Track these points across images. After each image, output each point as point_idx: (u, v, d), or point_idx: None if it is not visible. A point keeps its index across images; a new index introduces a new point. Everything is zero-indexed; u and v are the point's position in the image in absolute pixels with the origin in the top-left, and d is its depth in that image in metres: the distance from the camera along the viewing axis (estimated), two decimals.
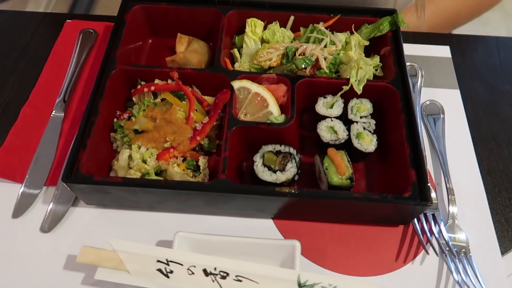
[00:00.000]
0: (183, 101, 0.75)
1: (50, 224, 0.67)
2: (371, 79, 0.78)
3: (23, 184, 0.70)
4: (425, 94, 0.86)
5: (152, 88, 0.74)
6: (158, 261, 0.58)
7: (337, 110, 0.75)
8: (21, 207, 0.68)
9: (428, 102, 0.85)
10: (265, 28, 0.87)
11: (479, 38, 0.98)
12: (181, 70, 0.76)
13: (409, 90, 0.73)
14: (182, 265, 0.58)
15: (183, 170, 0.69)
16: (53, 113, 0.79)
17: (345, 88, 0.75)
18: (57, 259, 0.64)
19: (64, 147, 0.75)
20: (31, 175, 0.71)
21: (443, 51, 0.94)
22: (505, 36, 0.98)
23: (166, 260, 0.58)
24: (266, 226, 0.69)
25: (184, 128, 0.71)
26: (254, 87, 0.76)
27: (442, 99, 0.85)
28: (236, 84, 0.75)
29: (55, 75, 0.85)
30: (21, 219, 0.68)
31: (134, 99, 0.76)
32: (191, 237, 0.61)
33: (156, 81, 0.76)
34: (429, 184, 0.63)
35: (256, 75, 0.77)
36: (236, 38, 0.89)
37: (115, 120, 0.74)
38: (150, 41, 0.92)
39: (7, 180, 0.71)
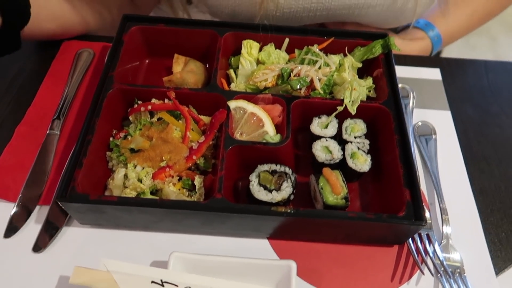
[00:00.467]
0: (180, 121, 0.75)
1: (42, 244, 0.66)
2: (365, 100, 0.80)
3: (16, 203, 0.69)
4: (417, 115, 0.88)
5: (149, 107, 0.74)
6: (153, 282, 0.57)
7: (332, 130, 0.76)
8: (13, 227, 0.67)
9: (420, 123, 0.86)
10: (260, 49, 0.89)
11: (468, 61, 1.01)
12: (178, 89, 0.77)
13: (402, 111, 0.75)
14: (177, 286, 0.57)
15: (179, 189, 0.68)
16: (48, 131, 0.79)
17: (339, 108, 0.76)
18: (49, 280, 0.63)
19: (59, 166, 0.74)
20: (24, 194, 0.70)
21: (434, 74, 0.97)
22: (493, 60, 1.01)
23: (161, 281, 0.58)
24: (261, 246, 0.68)
25: (180, 147, 0.71)
26: (250, 107, 0.77)
27: (433, 120, 0.87)
28: (232, 104, 0.76)
29: (52, 94, 0.86)
30: (13, 239, 0.67)
31: (130, 118, 0.77)
32: (186, 257, 0.60)
33: (153, 100, 0.77)
34: (423, 203, 0.64)
35: (252, 95, 0.78)
36: (232, 59, 0.90)
37: (111, 139, 0.74)
38: (147, 61, 0.93)
39: (0, 199, 0.70)
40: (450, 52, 1.24)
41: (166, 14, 1.12)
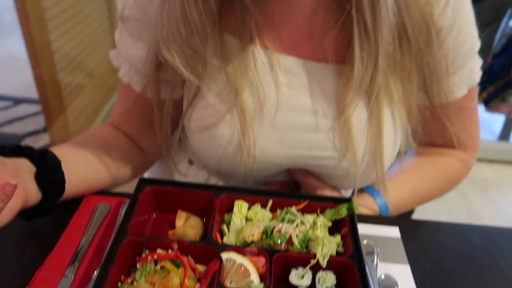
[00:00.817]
0: (179, 269, 0.89)
1: None
2: (334, 254, 0.96)
3: None
4: (381, 268, 1.03)
5: (155, 257, 0.89)
6: None
7: (307, 280, 0.90)
8: None
9: (383, 276, 1.01)
10: (249, 208, 1.09)
11: (422, 222, 1.21)
12: (180, 242, 0.93)
13: (364, 265, 0.90)
14: None
15: None
16: (63, 275, 0.91)
17: (313, 261, 0.92)
18: None
19: None
20: None
21: (394, 231, 1.15)
22: (443, 221, 1.21)
23: None
24: None
25: None
26: (239, 258, 0.92)
27: (395, 273, 1.02)
28: (224, 256, 0.92)
29: (71, 242, 1.00)
30: None
31: (138, 265, 0.90)
32: None
33: (158, 250, 0.92)
34: None
35: (241, 248, 0.94)
36: (226, 215, 1.09)
37: (119, 284, 0.86)
38: (154, 215, 1.11)
39: None
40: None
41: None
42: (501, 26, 3.96)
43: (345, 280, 0.92)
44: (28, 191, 0.91)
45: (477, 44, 1.16)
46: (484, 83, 3.11)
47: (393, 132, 1.07)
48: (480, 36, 1.91)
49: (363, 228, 1.14)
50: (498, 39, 3.67)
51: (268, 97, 1.03)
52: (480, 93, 3.18)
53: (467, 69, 1.13)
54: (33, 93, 4.69)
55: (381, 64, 0.93)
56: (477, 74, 1.17)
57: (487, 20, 2.35)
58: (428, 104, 1.13)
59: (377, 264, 1.04)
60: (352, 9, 0.88)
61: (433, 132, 1.27)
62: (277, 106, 1.04)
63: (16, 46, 5.61)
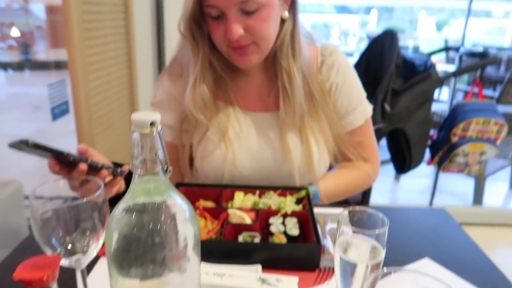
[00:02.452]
0: (204, 220, 1.49)
1: None
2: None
3: None
4: (330, 226, 1.61)
5: None
6: None
7: (279, 221, 1.50)
8: None
9: (330, 226, 1.59)
10: (244, 196, 1.72)
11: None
12: (203, 206, 1.55)
13: (313, 212, 1.51)
14: None
15: None
16: None
17: (283, 211, 1.53)
18: None
19: None
20: None
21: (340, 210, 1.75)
22: (386, 206, 1.81)
23: None
24: None
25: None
26: (238, 212, 1.53)
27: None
28: (229, 211, 1.53)
29: None
30: None
31: None
32: None
33: None
34: None
35: (239, 208, 1.56)
36: (230, 202, 1.71)
37: None
38: None
39: None
40: None
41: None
42: (446, 109, 4.89)
43: (304, 224, 1.52)
44: (122, 185, 1.57)
45: (363, 93, 1.92)
46: (434, 150, 3.87)
47: (318, 151, 1.78)
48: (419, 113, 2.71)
49: (321, 210, 1.75)
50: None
51: (240, 132, 1.77)
52: (433, 158, 3.91)
53: (359, 109, 1.89)
54: None
55: (297, 112, 1.70)
56: (368, 111, 1.92)
57: (420, 102, 3.22)
58: (339, 133, 1.84)
59: (328, 222, 1.63)
60: (279, 83, 1.68)
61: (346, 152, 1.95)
62: (247, 136, 1.78)
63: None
